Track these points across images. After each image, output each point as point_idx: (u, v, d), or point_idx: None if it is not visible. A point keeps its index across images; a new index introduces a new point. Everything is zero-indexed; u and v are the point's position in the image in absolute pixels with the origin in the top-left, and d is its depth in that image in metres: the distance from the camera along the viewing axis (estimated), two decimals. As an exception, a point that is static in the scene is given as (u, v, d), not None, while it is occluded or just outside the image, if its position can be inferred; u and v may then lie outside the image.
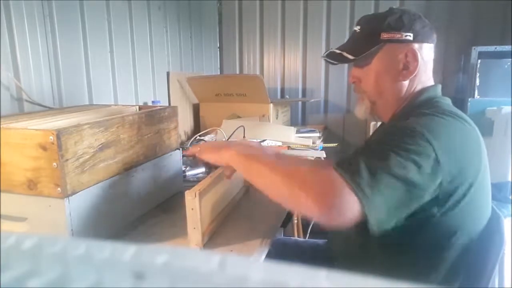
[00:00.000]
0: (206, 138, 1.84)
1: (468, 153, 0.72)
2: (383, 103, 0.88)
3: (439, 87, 0.87)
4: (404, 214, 0.67)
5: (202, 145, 0.88)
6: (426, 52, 0.84)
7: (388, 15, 0.82)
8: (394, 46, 0.82)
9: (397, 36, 0.81)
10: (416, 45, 0.82)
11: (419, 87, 0.86)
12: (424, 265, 0.75)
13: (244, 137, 1.64)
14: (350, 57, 0.85)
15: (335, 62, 0.90)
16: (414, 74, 0.83)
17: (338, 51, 0.88)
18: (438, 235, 0.72)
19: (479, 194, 0.73)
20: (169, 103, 1.96)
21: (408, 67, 0.83)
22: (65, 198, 0.74)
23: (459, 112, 0.78)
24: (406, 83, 0.85)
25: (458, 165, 0.68)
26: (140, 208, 1.01)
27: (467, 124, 0.74)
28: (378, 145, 0.71)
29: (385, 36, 0.82)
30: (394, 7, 0.88)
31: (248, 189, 1.22)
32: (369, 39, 0.84)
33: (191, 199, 0.80)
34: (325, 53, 0.91)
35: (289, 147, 1.73)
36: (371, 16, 0.88)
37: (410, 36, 0.81)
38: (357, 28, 0.88)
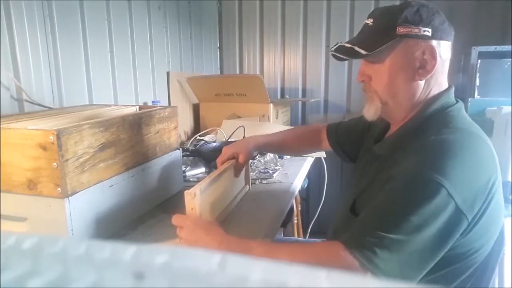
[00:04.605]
0: (206, 138, 1.84)
1: (483, 176, 0.69)
2: (395, 105, 0.81)
3: (452, 91, 0.82)
4: (431, 263, 0.66)
5: (184, 224, 0.80)
6: (444, 51, 0.78)
7: (405, 8, 0.76)
8: (411, 42, 0.76)
9: (415, 31, 0.74)
10: (434, 42, 0.76)
11: (435, 89, 0.80)
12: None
13: (244, 137, 1.64)
14: (363, 52, 0.77)
15: (344, 58, 0.81)
16: (431, 74, 0.77)
17: (348, 45, 0.80)
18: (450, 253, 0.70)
19: (494, 210, 0.71)
20: (169, 103, 1.96)
21: (425, 66, 0.76)
22: (65, 198, 0.74)
23: (469, 121, 0.77)
24: (422, 83, 0.79)
25: (474, 193, 0.66)
26: (140, 208, 1.01)
27: (477, 139, 0.72)
28: (390, 208, 0.68)
29: (401, 31, 0.75)
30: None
31: (248, 190, 1.22)
32: (384, 33, 0.76)
33: (190, 198, 0.80)
34: (334, 47, 0.83)
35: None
36: (385, 8, 0.80)
37: (428, 31, 0.75)
38: (369, 21, 0.81)
